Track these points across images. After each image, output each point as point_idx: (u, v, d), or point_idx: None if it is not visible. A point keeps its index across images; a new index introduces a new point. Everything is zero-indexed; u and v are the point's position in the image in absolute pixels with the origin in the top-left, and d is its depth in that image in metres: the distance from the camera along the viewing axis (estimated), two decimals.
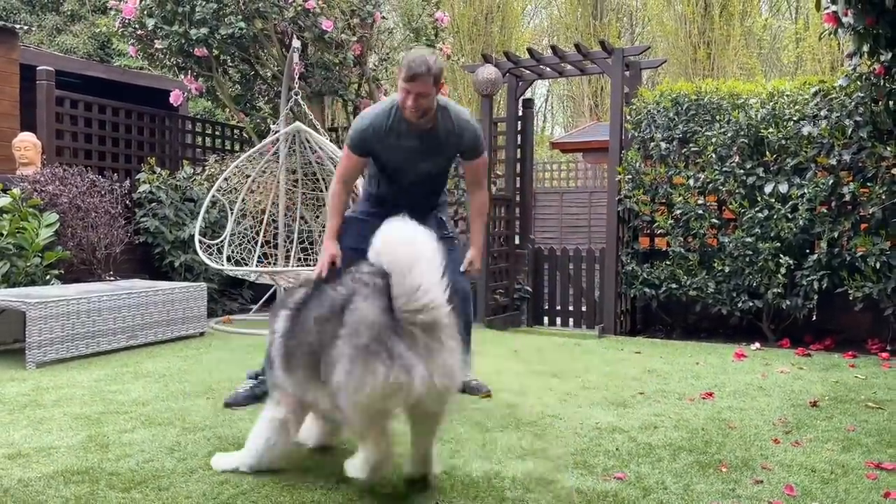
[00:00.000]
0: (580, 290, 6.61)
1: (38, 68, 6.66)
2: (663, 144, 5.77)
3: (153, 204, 6.70)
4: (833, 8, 4.33)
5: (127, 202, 6.63)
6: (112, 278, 6.07)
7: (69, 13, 13.21)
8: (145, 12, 6.46)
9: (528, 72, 6.86)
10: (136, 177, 6.88)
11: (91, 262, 6.07)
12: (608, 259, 6.07)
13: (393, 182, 3.41)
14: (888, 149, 4.89)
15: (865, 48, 4.45)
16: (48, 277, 5.44)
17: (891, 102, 4.92)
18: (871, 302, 5.04)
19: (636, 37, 23.75)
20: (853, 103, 5.08)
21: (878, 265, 4.89)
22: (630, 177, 5.91)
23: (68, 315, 4.49)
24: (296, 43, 6.37)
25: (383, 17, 7.32)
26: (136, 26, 6.55)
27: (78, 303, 4.56)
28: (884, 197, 4.89)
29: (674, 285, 5.68)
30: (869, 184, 5.00)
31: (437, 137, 3.29)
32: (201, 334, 5.50)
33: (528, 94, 7.15)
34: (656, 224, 5.78)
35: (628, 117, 6.02)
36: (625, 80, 6.14)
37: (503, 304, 6.71)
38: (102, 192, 6.25)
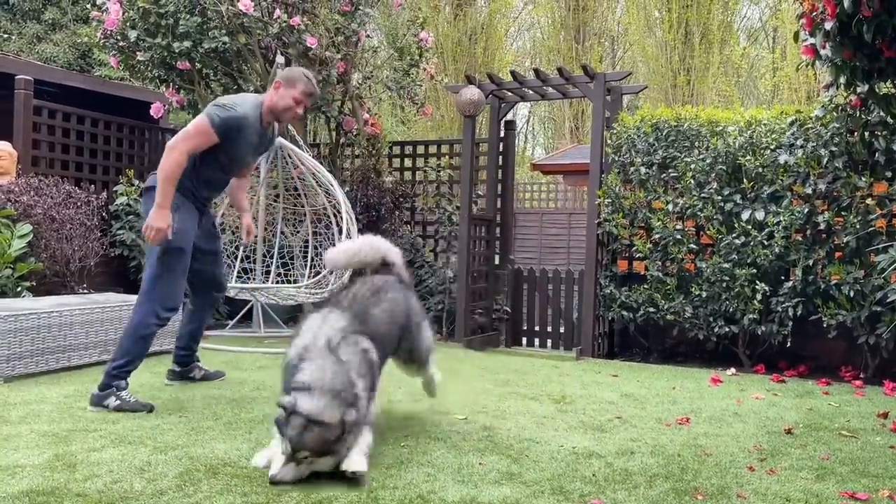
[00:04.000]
0: (559, 312, 6.62)
1: (15, 77, 6.58)
2: (643, 169, 5.82)
3: (130, 216, 6.62)
4: (811, 41, 4.40)
5: (103, 214, 6.55)
6: (86, 291, 5.98)
7: (50, 22, 13.09)
8: (128, 24, 6.42)
9: (510, 94, 6.91)
10: (114, 189, 6.80)
11: (64, 275, 5.98)
12: (587, 281, 6.09)
13: (223, 171, 3.72)
14: (863, 179, 4.97)
15: (842, 80, 4.53)
16: (19, 289, 5.34)
17: (866, 134, 5.02)
18: (844, 329, 5.10)
19: (618, 61, 24.07)
20: (829, 133, 5.16)
21: (851, 293, 4.95)
22: (609, 200, 5.95)
23: (38, 328, 4.40)
24: (280, 58, 6.35)
25: (368, 36, 7.33)
26: (118, 38, 6.51)
27: (49, 316, 4.47)
28: (858, 226, 4.96)
29: (651, 309, 5.71)
30: (843, 213, 5.08)
31: (266, 138, 3.80)
32: None
33: (509, 115, 7.19)
34: (635, 248, 5.82)
35: (609, 141, 6.08)
36: (606, 104, 6.21)
37: (482, 323, 6.70)
38: (78, 204, 6.17)
